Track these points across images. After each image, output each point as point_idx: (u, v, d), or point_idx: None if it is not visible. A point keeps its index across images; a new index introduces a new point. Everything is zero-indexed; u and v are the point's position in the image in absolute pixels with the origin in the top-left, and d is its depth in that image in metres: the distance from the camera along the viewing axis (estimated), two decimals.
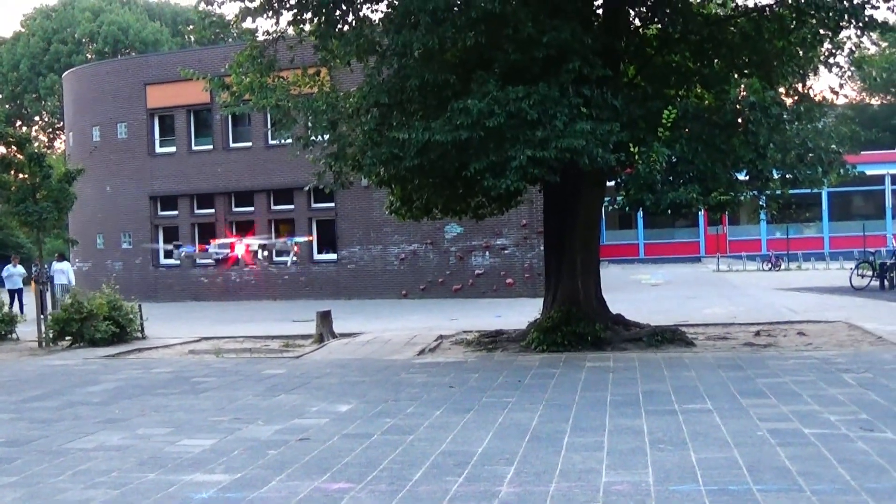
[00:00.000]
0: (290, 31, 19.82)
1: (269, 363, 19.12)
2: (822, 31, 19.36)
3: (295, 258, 18.29)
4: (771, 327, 21.57)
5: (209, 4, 19.14)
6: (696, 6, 19.97)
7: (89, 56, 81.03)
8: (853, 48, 20.21)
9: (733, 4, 19.91)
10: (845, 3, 17.84)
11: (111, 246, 45.46)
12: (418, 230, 37.23)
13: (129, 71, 46.14)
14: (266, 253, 17.63)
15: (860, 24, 18.16)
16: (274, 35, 19.65)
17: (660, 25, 19.83)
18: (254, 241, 18.18)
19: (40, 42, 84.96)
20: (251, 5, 18.93)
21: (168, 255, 43.10)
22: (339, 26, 19.19)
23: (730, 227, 55.05)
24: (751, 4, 19.64)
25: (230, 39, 32.73)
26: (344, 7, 19.05)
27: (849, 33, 19.38)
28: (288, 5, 19.04)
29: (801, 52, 20.08)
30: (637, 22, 20.10)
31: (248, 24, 19.35)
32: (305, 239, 15.43)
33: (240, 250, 15.59)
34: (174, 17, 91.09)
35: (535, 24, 16.73)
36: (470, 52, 17.58)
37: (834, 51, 20.22)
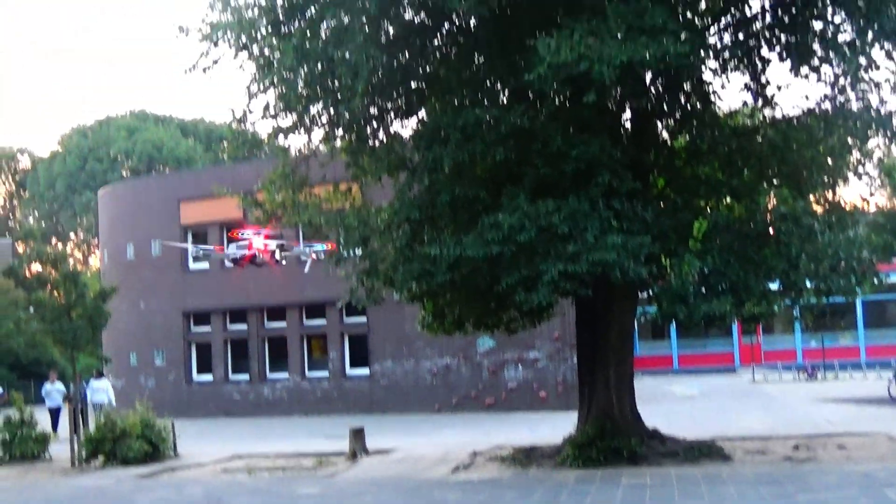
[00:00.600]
0: (322, 147, 20.10)
1: (302, 482, 18.97)
2: (850, 141, 19.44)
3: (312, 259, 17.78)
4: (809, 440, 21.19)
5: (242, 123, 19.44)
6: (724, 118, 20.12)
7: (124, 173, 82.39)
8: (882, 157, 20.26)
9: (761, 116, 20.02)
10: (873, 113, 17.92)
11: (144, 363, 45.47)
12: (450, 344, 37.01)
13: (163, 188, 46.79)
14: (285, 254, 17.29)
15: (888, 134, 18.21)
16: (306, 152, 19.97)
17: (688, 137, 19.94)
18: (272, 241, 17.81)
19: (76, 160, 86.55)
20: (283, 124, 19.28)
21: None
22: (370, 143, 19.54)
23: (764, 336, 54.50)
24: (779, 115, 19.70)
25: (263, 154, 33.24)
26: (375, 124, 19.41)
27: (877, 142, 19.44)
28: (319, 123, 19.36)
29: (830, 162, 20.14)
30: (665, 134, 20.25)
31: (280, 141, 19.69)
32: (325, 247, 15.21)
33: (258, 244, 15.27)
34: (208, 134, 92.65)
35: (564, 138, 16.94)
36: (500, 166, 17.76)
37: (863, 160, 20.24)
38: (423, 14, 18.56)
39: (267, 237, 14.76)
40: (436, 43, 19.33)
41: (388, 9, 17.59)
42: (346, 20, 17.15)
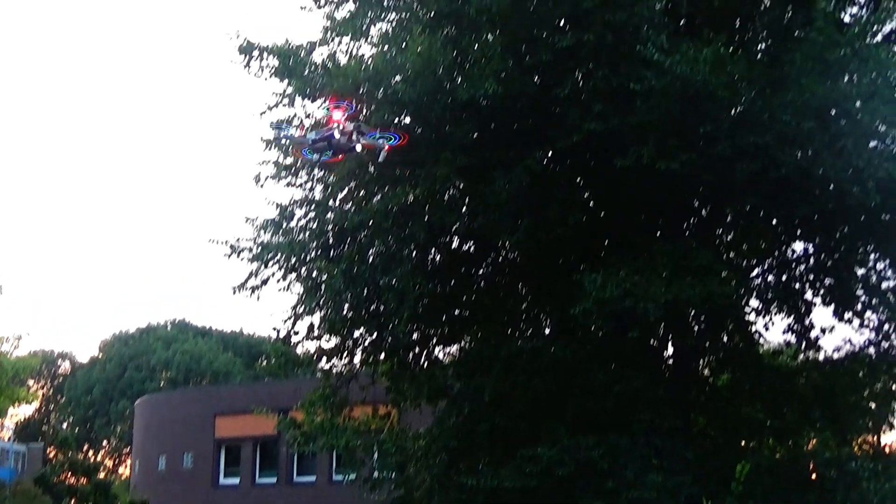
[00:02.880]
0: (363, 370, 20.18)
1: None
2: (895, 388, 19.31)
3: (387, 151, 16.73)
4: None
5: (286, 344, 19.65)
6: (767, 357, 20.11)
7: (162, 383, 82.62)
8: None
9: (805, 357, 19.94)
10: None
11: None
12: None
13: (199, 401, 47.00)
14: (362, 140, 15.96)
15: None
16: (347, 374, 20.04)
17: (731, 376, 19.87)
18: (350, 123, 16.50)
19: (116, 368, 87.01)
20: (326, 346, 19.48)
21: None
22: (412, 368, 19.65)
23: None
24: (822, 357, 19.63)
25: (301, 372, 33.38)
26: (417, 349, 19.55)
27: None
28: (362, 346, 19.53)
29: (874, 407, 19.96)
30: (707, 372, 20.17)
31: (322, 363, 19.83)
32: (398, 139, 14.43)
33: (338, 116, 14.25)
34: (248, 348, 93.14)
35: (606, 373, 16.95)
36: (540, 398, 17.68)
37: None
38: (469, 243, 19.04)
39: (347, 118, 13.86)
40: (481, 272, 19.70)
41: (436, 237, 18.05)
42: (393, 247, 17.56)
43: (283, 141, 16.28)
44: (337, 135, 13.90)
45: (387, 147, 14.65)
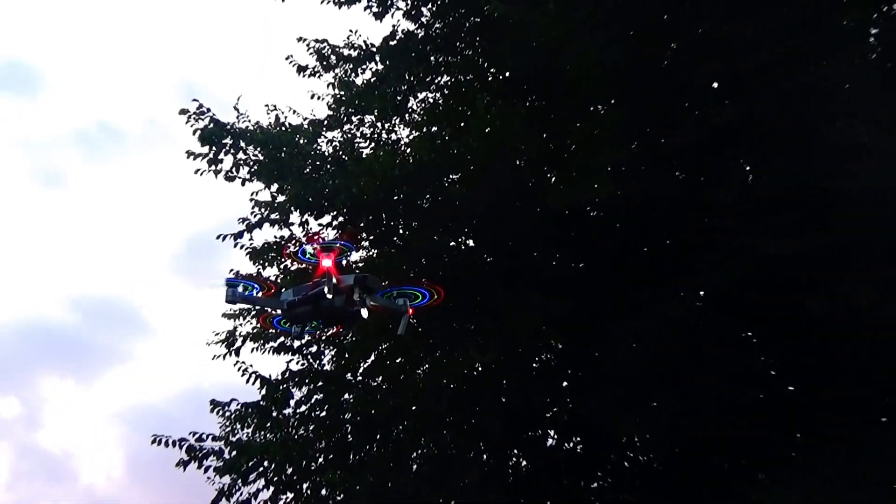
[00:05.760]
0: None
1: None
2: None
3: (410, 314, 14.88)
4: None
5: None
6: None
7: None
8: None
9: None
10: None
11: None
12: None
13: None
14: (369, 303, 13.61)
15: None
16: None
17: None
18: (349, 276, 14.15)
19: None
20: None
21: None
22: None
23: None
24: None
25: None
26: None
27: None
28: None
29: None
30: None
31: None
32: (426, 301, 12.59)
33: (326, 264, 12.35)
34: None
35: None
36: None
37: None
38: (573, 438, 17.60)
39: (335, 260, 11.65)
40: (594, 484, 17.81)
41: (520, 431, 16.79)
42: (452, 446, 16.35)
43: (239, 308, 14.52)
44: (328, 294, 11.36)
45: (410, 311, 12.15)
